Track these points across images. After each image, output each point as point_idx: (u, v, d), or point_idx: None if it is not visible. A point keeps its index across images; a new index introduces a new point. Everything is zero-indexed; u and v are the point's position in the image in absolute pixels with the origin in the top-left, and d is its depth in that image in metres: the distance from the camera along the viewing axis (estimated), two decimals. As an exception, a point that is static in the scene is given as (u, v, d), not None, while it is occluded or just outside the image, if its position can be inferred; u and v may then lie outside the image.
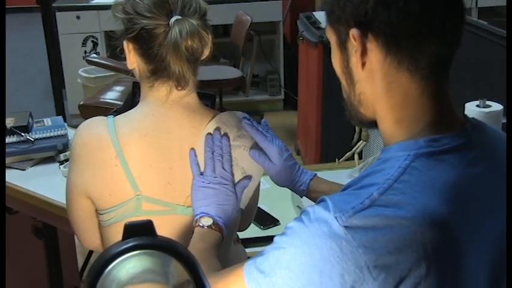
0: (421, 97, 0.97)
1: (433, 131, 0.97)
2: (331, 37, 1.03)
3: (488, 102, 1.98)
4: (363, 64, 0.97)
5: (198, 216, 1.33)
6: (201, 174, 1.38)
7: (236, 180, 1.43)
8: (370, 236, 0.88)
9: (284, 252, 0.94)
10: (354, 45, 0.97)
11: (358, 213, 0.89)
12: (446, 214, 0.92)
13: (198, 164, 1.39)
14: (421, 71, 0.96)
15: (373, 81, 0.98)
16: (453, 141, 0.97)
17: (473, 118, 1.04)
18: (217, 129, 1.42)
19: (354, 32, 0.95)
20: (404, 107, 0.98)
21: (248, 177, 1.44)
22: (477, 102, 1.98)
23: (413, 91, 0.97)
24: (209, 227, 1.30)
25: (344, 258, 0.89)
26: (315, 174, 1.47)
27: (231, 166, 1.41)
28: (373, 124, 1.04)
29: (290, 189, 1.48)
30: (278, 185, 1.47)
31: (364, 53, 0.96)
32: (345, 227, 0.89)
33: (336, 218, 0.90)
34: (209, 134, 1.41)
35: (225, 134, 1.42)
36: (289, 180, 1.45)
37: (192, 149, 1.40)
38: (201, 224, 1.31)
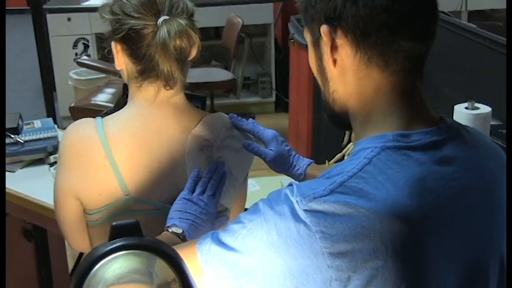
0: (392, 93, 0.97)
1: (404, 126, 0.97)
2: (307, 37, 1.04)
3: (477, 105, 1.99)
4: (334, 61, 0.98)
5: (169, 223, 1.30)
6: (191, 191, 1.37)
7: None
8: (328, 222, 0.88)
9: (243, 227, 0.94)
10: (325, 42, 0.97)
11: (319, 198, 0.89)
12: (408, 208, 0.91)
13: (195, 181, 1.38)
14: (392, 67, 0.96)
15: (345, 78, 0.98)
16: (423, 139, 0.96)
17: (451, 120, 1.03)
18: (223, 163, 1.42)
19: (324, 28, 0.96)
20: (375, 102, 0.98)
21: (226, 216, 1.44)
22: (466, 104, 1.99)
23: (384, 86, 0.97)
24: (176, 235, 1.28)
25: (300, 241, 0.88)
26: (313, 161, 1.48)
27: (219, 200, 1.40)
28: (349, 125, 1.04)
29: (287, 175, 1.49)
30: (275, 171, 1.48)
31: (334, 49, 0.97)
32: (305, 210, 0.89)
33: (296, 201, 0.90)
34: (219, 162, 1.41)
35: (224, 173, 1.42)
36: (286, 166, 1.47)
37: (197, 170, 1.39)
38: (170, 230, 1.28)
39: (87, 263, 0.76)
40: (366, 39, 0.94)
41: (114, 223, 0.78)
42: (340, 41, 0.96)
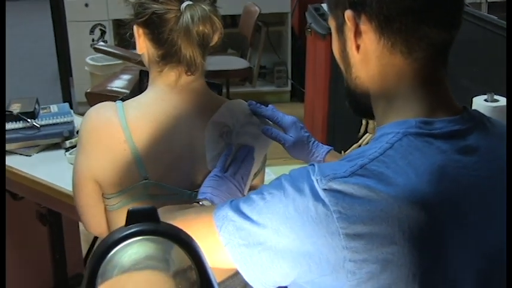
0: (414, 80, 0.97)
1: (426, 113, 0.96)
2: (332, 24, 1.03)
3: (496, 97, 1.97)
4: (358, 47, 0.97)
5: (201, 196, 1.31)
6: (223, 169, 1.37)
7: None
8: (347, 203, 0.88)
9: (261, 198, 0.95)
10: (349, 28, 0.97)
11: (339, 179, 0.89)
12: (427, 195, 0.90)
13: (227, 160, 1.38)
14: (415, 54, 0.95)
15: (368, 64, 0.98)
16: (446, 127, 0.96)
17: (475, 110, 1.02)
18: (253, 148, 1.42)
19: (348, 14, 0.96)
20: (398, 88, 0.98)
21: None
22: (485, 97, 1.97)
23: (406, 74, 0.97)
24: None
25: (317, 220, 0.89)
26: (332, 148, 1.48)
27: (247, 182, 1.40)
28: (370, 112, 1.03)
29: (305, 162, 1.48)
30: (293, 157, 1.48)
31: (358, 35, 0.96)
32: (324, 189, 0.89)
33: (316, 180, 0.90)
34: (249, 147, 1.41)
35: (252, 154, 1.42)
36: (305, 152, 1.46)
37: (231, 145, 1.40)
38: (200, 203, 1.28)
39: (103, 248, 0.75)
40: (390, 25, 0.94)
41: (130, 208, 0.78)
42: (364, 26, 0.95)
